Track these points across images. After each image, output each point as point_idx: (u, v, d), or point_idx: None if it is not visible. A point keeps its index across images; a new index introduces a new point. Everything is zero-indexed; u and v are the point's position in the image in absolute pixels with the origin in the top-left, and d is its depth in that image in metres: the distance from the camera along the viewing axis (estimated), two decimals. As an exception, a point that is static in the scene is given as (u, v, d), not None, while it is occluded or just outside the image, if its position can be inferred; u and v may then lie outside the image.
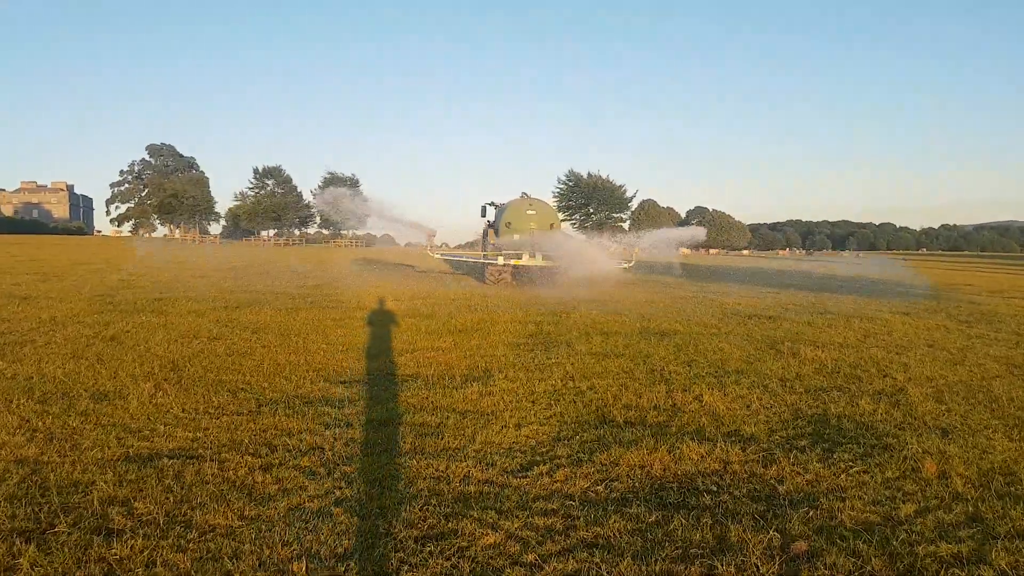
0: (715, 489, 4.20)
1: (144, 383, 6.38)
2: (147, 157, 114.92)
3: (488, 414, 5.72)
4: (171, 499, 3.75)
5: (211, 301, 13.97)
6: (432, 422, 5.43)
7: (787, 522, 3.74)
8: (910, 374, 7.83)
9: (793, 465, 4.63)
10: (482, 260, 22.36)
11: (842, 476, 4.47)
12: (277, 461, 4.39)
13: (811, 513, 3.87)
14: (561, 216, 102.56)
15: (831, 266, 49.82)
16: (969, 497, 4.17)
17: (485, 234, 24.97)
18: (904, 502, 4.08)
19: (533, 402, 6.16)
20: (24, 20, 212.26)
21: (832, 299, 17.58)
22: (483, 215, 24.82)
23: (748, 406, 6.16)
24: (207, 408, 5.66)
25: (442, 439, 4.99)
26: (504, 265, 20.41)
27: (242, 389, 6.38)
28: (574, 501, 3.94)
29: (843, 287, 23.23)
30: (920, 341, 10.48)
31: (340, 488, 3.97)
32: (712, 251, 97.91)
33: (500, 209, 23.15)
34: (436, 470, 4.34)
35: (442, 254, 26.16)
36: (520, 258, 20.40)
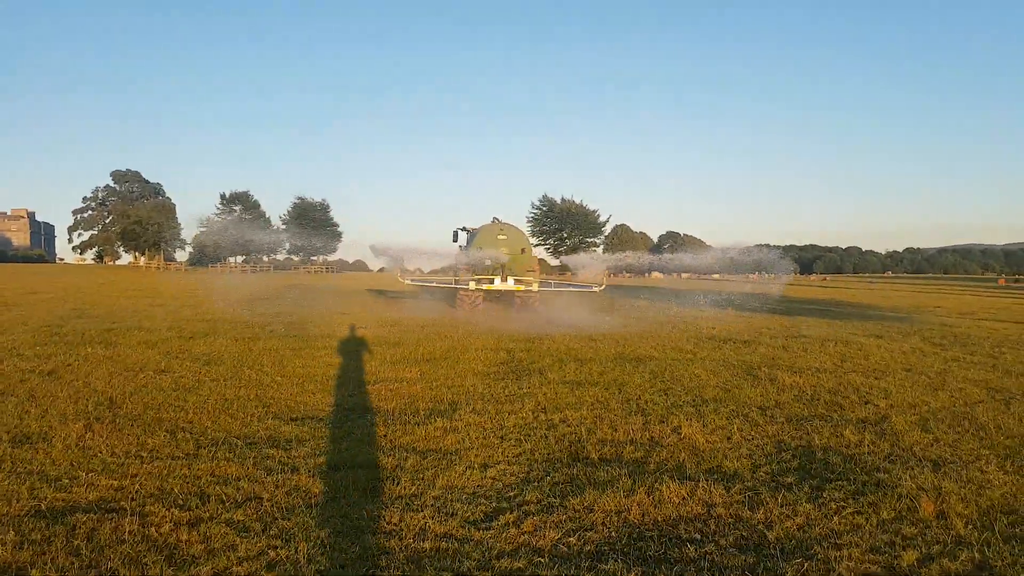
0: (699, 538, 3.79)
1: (74, 423, 5.82)
2: (111, 183, 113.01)
3: (452, 453, 5.27)
4: (76, 564, 3.25)
5: (165, 331, 13.35)
6: (389, 464, 4.96)
7: (781, 576, 3.35)
8: (891, 400, 7.53)
9: (781, 507, 4.24)
10: (453, 285, 22.04)
11: (835, 519, 4.08)
12: (208, 515, 3.89)
13: (806, 565, 3.48)
14: (535, 241, 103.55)
15: (799, 289, 50.14)
16: (973, 541, 3.81)
17: (458, 258, 23.95)
18: (904, 548, 3.71)
19: (502, 438, 5.73)
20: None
21: (804, 322, 17.42)
22: (455, 240, 24.33)
23: (729, 438, 5.79)
24: (139, 451, 5.14)
25: (398, 484, 4.53)
26: (476, 290, 20.13)
27: (182, 428, 5.85)
28: (543, 557, 3.50)
29: (815, 311, 23.15)
30: (897, 365, 10.23)
31: (275, 548, 3.48)
32: (684, 275, 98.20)
33: (472, 234, 22.92)
34: (388, 523, 3.88)
35: (412, 279, 25.36)
36: (492, 283, 20.10)
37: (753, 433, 5.96)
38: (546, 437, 5.73)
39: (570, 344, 12.19)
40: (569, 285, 22.21)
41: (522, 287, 20.09)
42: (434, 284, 25.33)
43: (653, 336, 13.61)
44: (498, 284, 20.04)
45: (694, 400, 7.40)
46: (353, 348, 11.22)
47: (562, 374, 8.96)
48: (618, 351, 11.31)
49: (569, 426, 6.09)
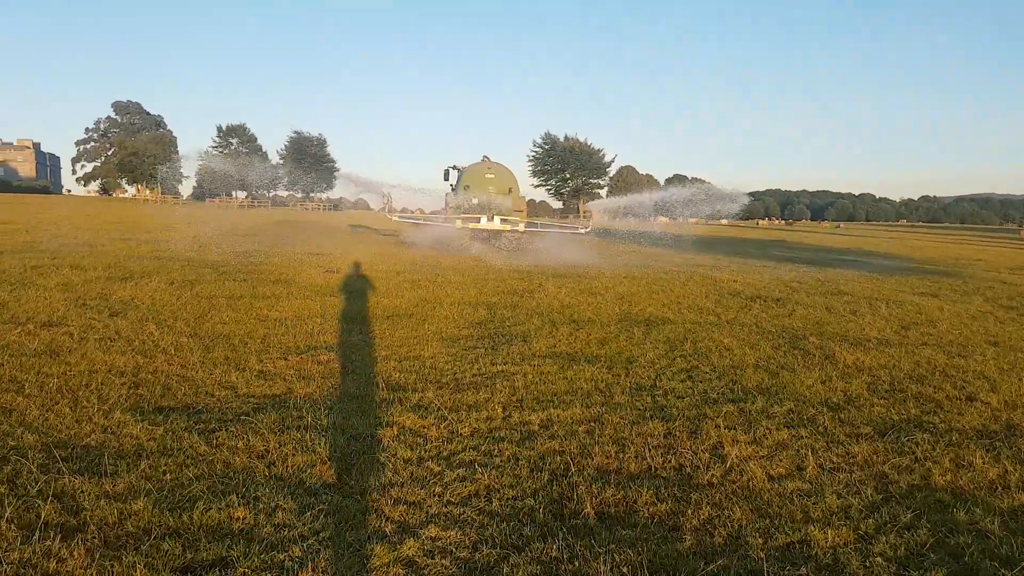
0: None
1: None
2: (113, 115, 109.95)
3: (353, 499, 3.25)
4: None
5: (101, 269, 11.33)
6: (232, 527, 2.95)
7: None
8: (1003, 395, 5.48)
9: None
10: (439, 223, 21.40)
11: None
12: None
13: None
14: (536, 182, 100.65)
15: (814, 236, 47.80)
16: None
17: (447, 197, 23.54)
18: None
19: (447, 460, 3.72)
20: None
21: (840, 276, 15.29)
22: (446, 179, 23.80)
23: (800, 468, 3.77)
24: None
25: (234, 570, 2.54)
26: (461, 228, 19.79)
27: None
28: None
29: (845, 261, 21.00)
30: (977, 337, 8.17)
31: None
32: (692, 220, 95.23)
33: (461, 172, 22.73)
34: None
35: (400, 216, 24.57)
36: (478, 221, 19.84)
37: (835, 459, 3.93)
38: (515, 462, 3.70)
39: (565, 298, 10.15)
40: (555, 226, 22.29)
41: (508, 226, 20.03)
42: (421, 222, 24.45)
43: (664, 290, 11.54)
44: (484, 223, 19.90)
45: (732, 390, 5.38)
46: (302, 298, 9.19)
47: (551, 342, 6.94)
48: (623, 310, 9.27)
49: (553, 439, 4.06)
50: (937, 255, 26.02)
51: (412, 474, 3.47)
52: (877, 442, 4.23)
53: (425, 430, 4.12)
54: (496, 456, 3.75)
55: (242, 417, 4.24)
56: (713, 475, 3.56)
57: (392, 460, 3.62)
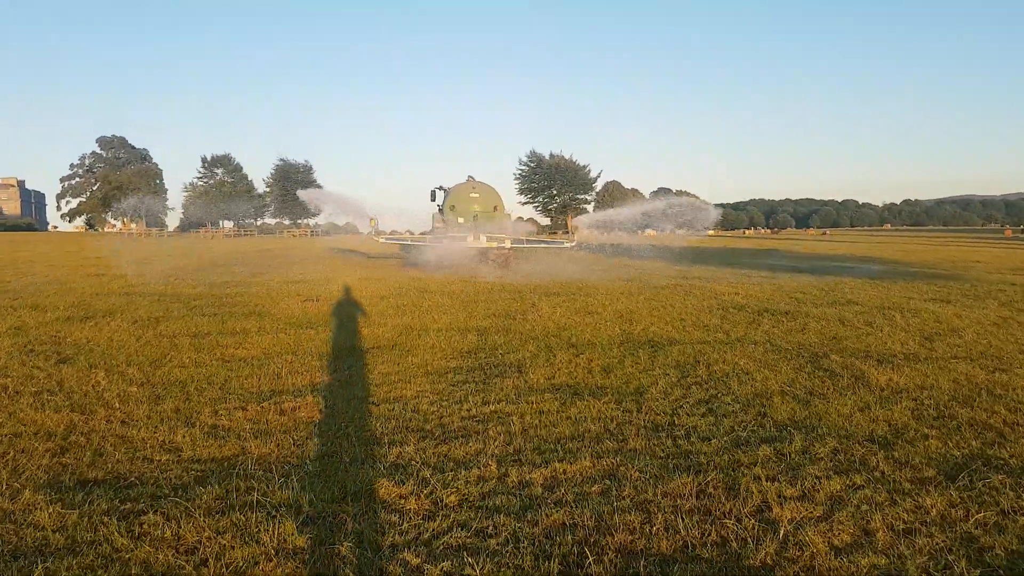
0: None
1: None
2: (98, 150, 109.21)
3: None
4: None
5: (63, 309, 10.57)
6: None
7: None
8: (1067, 417, 4.80)
9: None
10: (427, 244, 21.43)
11: None
12: None
13: None
14: (523, 199, 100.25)
15: (806, 244, 47.39)
16: None
17: (434, 218, 23.77)
18: None
19: (428, 548, 2.94)
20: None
21: (843, 284, 14.64)
22: (432, 199, 24.12)
23: (867, 532, 3.04)
24: None
25: None
26: (449, 247, 19.93)
27: None
28: None
29: (843, 268, 20.40)
30: (1008, 346, 7.51)
31: None
32: (679, 232, 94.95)
33: (447, 193, 23.04)
34: None
35: (387, 238, 24.35)
36: (466, 240, 20.09)
37: (907, 517, 3.19)
38: (515, 544, 2.93)
39: (561, 319, 9.45)
40: (541, 242, 22.75)
41: (495, 244, 20.19)
42: (408, 242, 24.37)
43: (665, 306, 10.85)
44: (471, 241, 20.11)
45: (762, 425, 4.66)
46: (275, 332, 8.43)
47: (549, 372, 6.21)
48: (624, 330, 8.57)
49: (561, 506, 3.31)
50: (932, 258, 25.49)
51: (382, 573, 2.71)
52: (948, 489, 3.51)
53: (402, 501, 3.36)
54: (491, 536, 2.99)
55: (180, 492, 3.48)
56: (766, 552, 2.82)
57: (355, 553, 2.86)
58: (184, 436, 4.41)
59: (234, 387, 5.73)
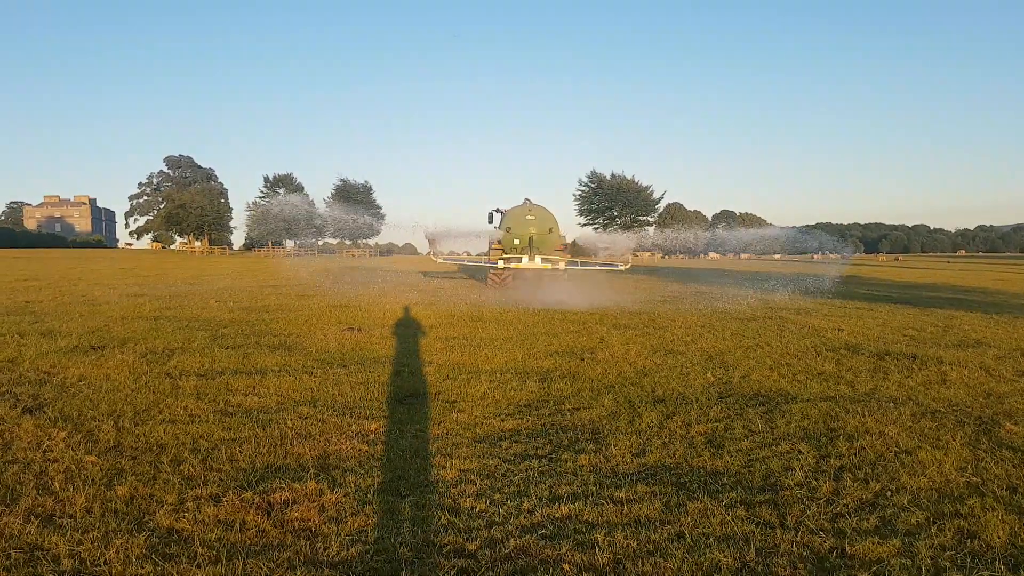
0: None
1: None
2: (166, 169, 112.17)
3: None
4: None
5: (77, 335, 9.51)
6: None
7: None
8: None
9: None
10: (484, 264, 22.57)
11: None
12: None
13: None
14: (583, 220, 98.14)
15: (885, 270, 44.48)
16: None
17: (491, 239, 24.51)
18: None
19: None
20: (46, 36, 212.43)
21: (955, 319, 12.64)
22: (490, 221, 24.48)
23: None
24: None
25: None
26: (504, 268, 20.60)
27: None
28: None
29: (942, 299, 18.21)
30: None
31: None
32: (743, 256, 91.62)
33: (503, 215, 23.31)
34: None
35: (444, 258, 25.33)
36: (520, 261, 20.60)
37: None
38: None
39: (637, 360, 7.91)
40: (596, 264, 22.80)
41: (549, 266, 20.45)
42: (465, 262, 26.20)
43: (760, 345, 9.16)
44: (525, 263, 20.49)
45: (978, 556, 3.03)
46: (300, 372, 7.08)
47: (637, 444, 4.67)
48: (721, 378, 6.96)
49: None
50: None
51: None
52: None
53: None
54: None
55: None
56: None
57: None
58: (115, 553, 3.01)
59: (221, 457, 4.34)
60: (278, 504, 3.56)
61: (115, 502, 3.62)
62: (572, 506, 3.56)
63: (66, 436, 4.73)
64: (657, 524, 3.36)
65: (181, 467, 4.16)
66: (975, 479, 4.05)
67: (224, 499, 3.63)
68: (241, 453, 4.42)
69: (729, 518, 3.43)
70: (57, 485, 3.83)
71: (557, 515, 3.47)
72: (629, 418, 5.38)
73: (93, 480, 3.92)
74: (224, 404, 5.76)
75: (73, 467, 4.13)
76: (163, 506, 3.56)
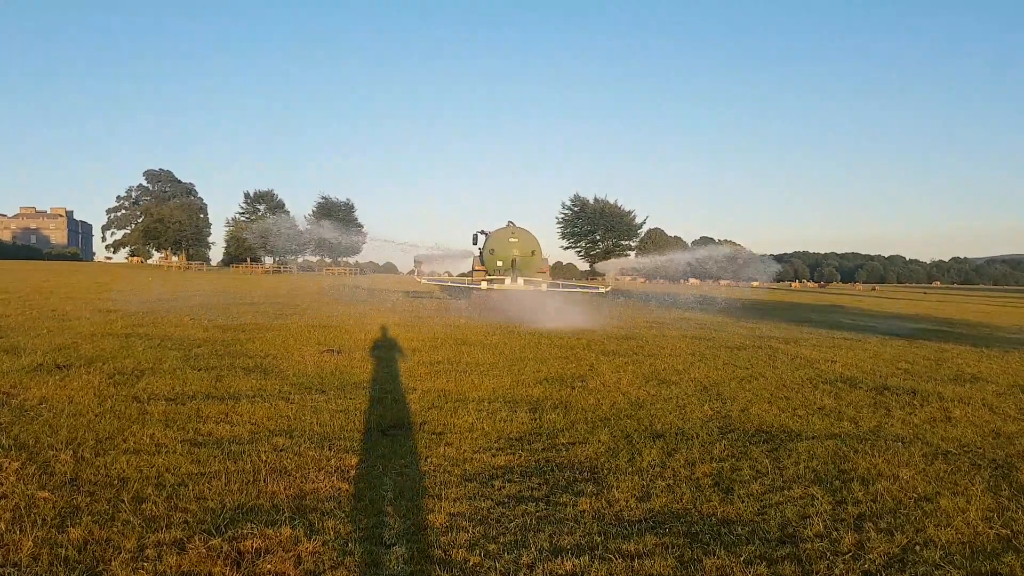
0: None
1: None
2: (145, 183, 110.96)
3: None
4: None
5: (43, 352, 9.08)
6: None
7: None
8: None
9: None
10: (467, 284, 23.24)
11: None
12: None
13: None
14: (565, 243, 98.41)
15: (867, 301, 44.73)
16: None
17: (474, 261, 25.20)
18: None
19: None
20: (23, 44, 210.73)
21: (947, 352, 12.48)
22: (474, 243, 25.03)
23: None
24: None
25: None
26: (488, 289, 21.00)
27: None
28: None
29: (928, 332, 18.12)
30: None
31: None
32: (723, 282, 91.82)
33: (487, 237, 23.92)
34: None
35: (427, 279, 26.35)
36: (504, 282, 21.08)
37: None
38: None
39: (630, 390, 7.64)
40: (575, 286, 23.37)
41: (531, 287, 20.87)
42: (449, 283, 26.73)
43: (755, 376, 8.90)
44: (508, 284, 20.94)
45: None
46: (275, 398, 6.68)
47: (640, 485, 4.34)
48: (719, 411, 6.68)
49: None
50: (1012, 322, 23.00)
51: None
52: None
53: None
54: None
55: None
56: None
57: None
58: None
59: (188, 495, 3.95)
60: (249, 554, 3.19)
61: (67, 547, 3.23)
62: (577, 561, 3.22)
63: (19, 467, 4.33)
64: (671, 580, 3.03)
65: (143, 506, 3.77)
66: (1004, 531, 3.77)
67: (189, 546, 3.25)
68: (210, 490, 4.03)
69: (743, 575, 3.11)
70: (3, 525, 3.43)
71: (560, 572, 3.12)
72: (629, 455, 5.06)
73: (44, 520, 3.53)
74: (194, 432, 5.36)
75: (23, 504, 3.73)
76: (120, 553, 3.18)
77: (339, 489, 4.15)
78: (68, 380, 7.27)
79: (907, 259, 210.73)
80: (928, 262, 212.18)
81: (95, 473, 4.31)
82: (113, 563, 3.08)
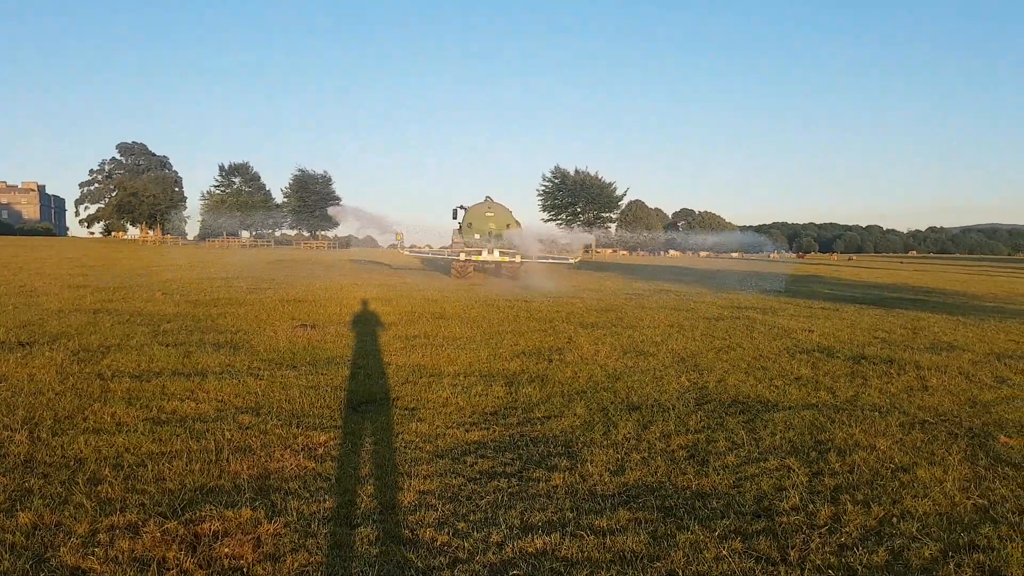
0: None
1: None
2: (118, 156, 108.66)
3: None
4: None
5: (7, 328, 8.82)
6: None
7: None
8: None
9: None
10: (447, 256, 24.28)
11: None
12: None
13: None
14: (546, 216, 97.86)
15: (845, 271, 45.03)
16: None
17: (453, 234, 26.01)
18: None
19: None
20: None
21: (923, 321, 12.53)
22: (454, 217, 26.00)
23: None
24: None
25: None
26: (466, 261, 22.49)
27: None
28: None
29: (905, 300, 18.23)
30: None
31: None
32: (703, 254, 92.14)
33: (466, 211, 25.17)
34: None
35: (409, 251, 27.53)
36: (480, 254, 22.43)
37: None
38: None
39: (608, 362, 7.54)
40: (547, 258, 24.48)
41: (506, 258, 22.37)
42: (429, 255, 28.50)
43: (731, 347, 8.85)
44: (485, 255, 22.39)
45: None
46: (244, 374, 6.52)
47: (615, 459, 4.26)
48: (696, 383, 6.61)
49: None
50: (988, 290, 23.18)
51: None
52: None
53: None
54: None
55: None
56: None
57: None
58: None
59: (147, 476, 3.81)
60: (206, 537, 3.06)
61: (14, 533, 3.08)
62: (547, 538, 3.13)
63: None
64: (645, 560, 2.94)
65: (98, 488, 3.63)
66: (982, 501, 3.73)
67: (144, 530, 3.12)
68: (170, 471, 3.89)
69: (725, 552, 3.03)
70: (-59, 516, 3.27)
71: (530, 550, 3.03)
72: (604, 428, 4.98)
73: (-9, 504, 3.37)
74: (157, 411, 5.20)
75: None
76: (70, 538, 3.04)
77: (305, 468, 4.02)
78: (30, 358, 7.06)
79: (884, 229, 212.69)
80: (905, 232, 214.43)
81: (51, 454, 4.15)
82: (62, 549, 2.94)
